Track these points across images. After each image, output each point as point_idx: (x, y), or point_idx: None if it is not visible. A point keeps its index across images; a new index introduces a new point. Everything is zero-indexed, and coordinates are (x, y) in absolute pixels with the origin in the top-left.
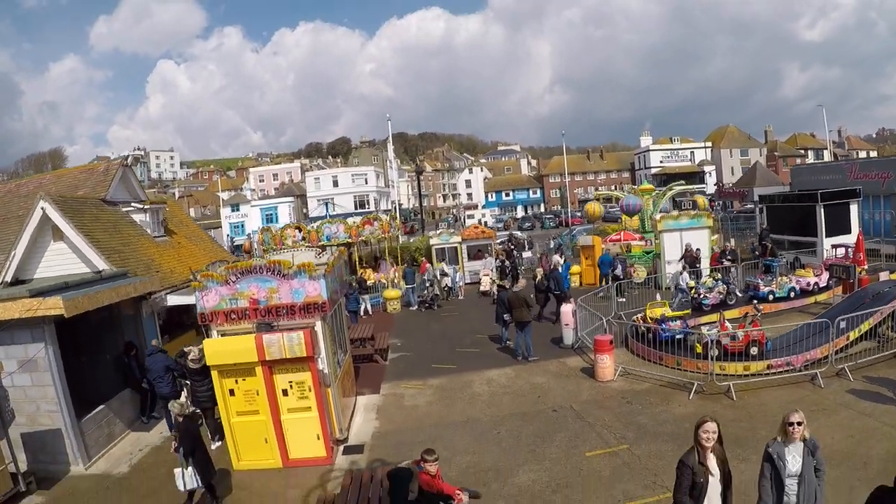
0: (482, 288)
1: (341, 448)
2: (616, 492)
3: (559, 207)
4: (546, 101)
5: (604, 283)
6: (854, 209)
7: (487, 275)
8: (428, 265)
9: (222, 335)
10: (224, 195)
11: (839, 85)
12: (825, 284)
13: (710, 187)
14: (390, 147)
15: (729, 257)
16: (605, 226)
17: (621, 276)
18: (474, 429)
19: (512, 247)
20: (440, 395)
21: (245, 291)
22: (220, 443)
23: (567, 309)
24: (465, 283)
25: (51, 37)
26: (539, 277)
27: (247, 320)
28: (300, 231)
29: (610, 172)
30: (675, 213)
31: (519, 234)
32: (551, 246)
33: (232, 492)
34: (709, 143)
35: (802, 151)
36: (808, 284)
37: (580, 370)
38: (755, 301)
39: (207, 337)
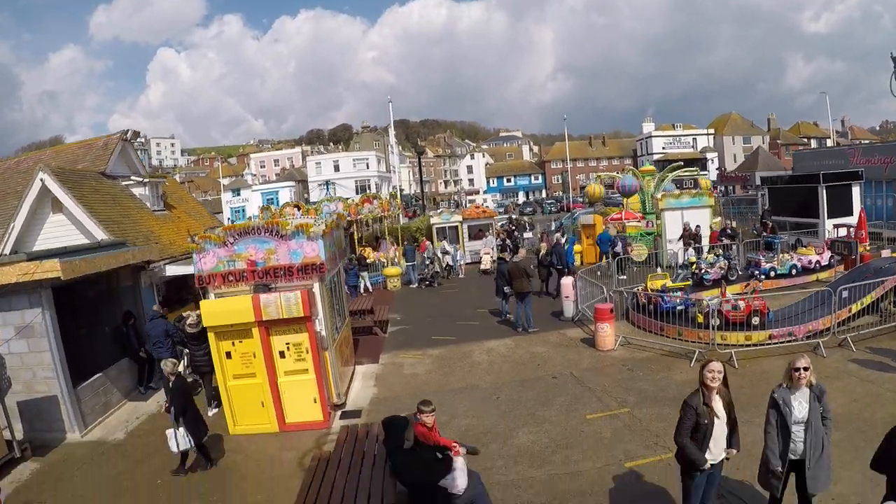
0: (483, 266)
1: (338, 413)
2: (617, 452)
3: (561, 193)
4: (549, 89)
5: (604, 260)
6: (856, 191)
7: (488, 253)
8: (428, 243)
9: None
10: (225, 181)
11: (844, 77)
12: (827, 263)
13: (713, 174)
14: (392, 132)
15: (729, 233)
16: (606, 209)
17: (622, 254)
18: (473, 394)
19: (513, 227)
20: (439, 364)
21: (243, 253)
22: (216, 410)
23: (567, 281)
24: (466, 263)
25: (50, 27)
26: (543, 252)
27: (244, 282)
28: (299, 210)
29: (612, 159)
30: (677, 191)
31: (519, 216)
32: (552, 228)
33: (227, 455)
34: (711, 130)
35: (805, 140)
36: (810, 262)
37: (580, 340)
38: (756, 272)
39: (204, 299)
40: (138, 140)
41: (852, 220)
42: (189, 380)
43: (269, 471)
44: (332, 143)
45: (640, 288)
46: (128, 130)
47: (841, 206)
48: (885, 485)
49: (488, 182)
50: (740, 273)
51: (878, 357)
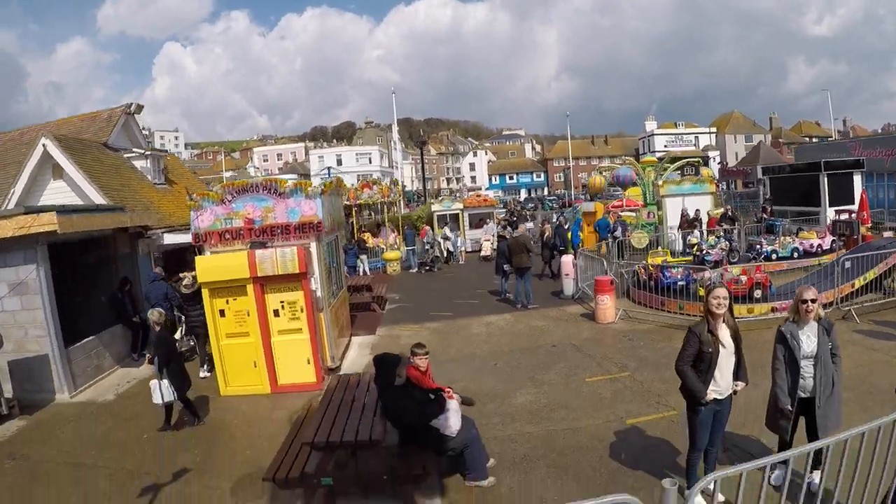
0: (483, 253)
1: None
2: (618, 410)
3: (563, 191)
4: (553, 89)
5: (603, 248)
6: (857, 179)
7: (489, 240)
8: (428, 228)
9: None
10: (227, 174)
11: (846, 79)
12: (829, 247)
13: (715, 171)
14: (395, 127)
15: (730, 216)
16: (606, 202)
17: (621, 237)
18: (471, 362)
19: (514, 218)
20: (437, 336)
21: (240, 211)
22: (209, 373)
23: (567, 259)
24: (467, 252)
25: (58, 18)
26: (547, 234)
27: (241, 241)
28: None
29: (614, 157)
30: (678, 178)
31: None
32: (553, 219)
33: (216, 414)
34: (713, 129)
35: (807, 139)
36: (812, 246)
37: (580, 315)
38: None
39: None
40: (143, 131)
41: (854, 208)
42: (186, 347)
43: (259, 428)
44: (335, 140)
45: (640, 265)
46: (131, 103)
47: (843, 195)
48: None
49: (490, 179)
50: (741, 255)
51: (882, 328)
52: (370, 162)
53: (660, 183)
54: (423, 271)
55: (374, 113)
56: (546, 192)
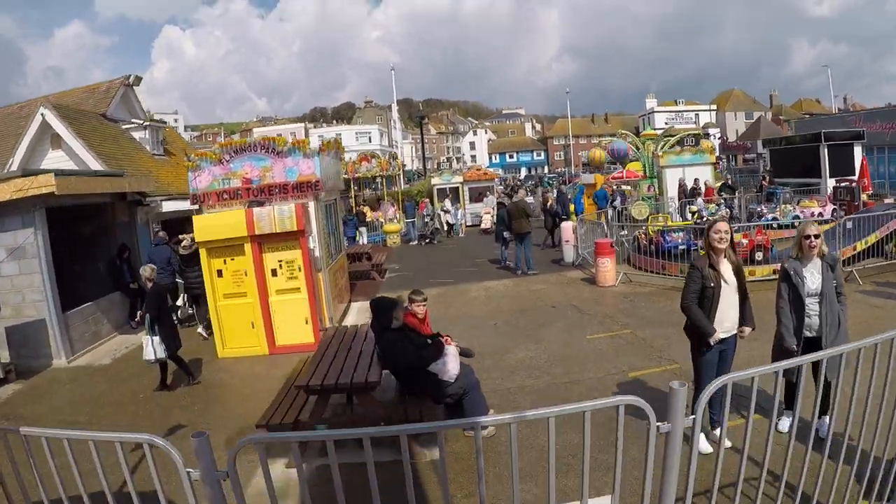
0: (484, 226)
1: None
2: (620, 363)
3: (563, 169)
4: (553, 70)
5: (602, 218)
6: (858, 150)
7: (489, 213)
8: (427, 201)
9: None
10: None
11: (847, 62)
12: (829, 216)
13: (715, 146)
14: (394, 105)
15: (729, 185)
16: (607, 175)
17: (619, 207)
18: (470, 322)
19: (511, 191)
20: (437, 300)
21: (238, 171)
22: (208, 337)
23: (568, 225)
24: (467, 225)
25: (56, 2)
26: (550, 202)
27: (239, 200)
28: None
29: (615, 136)
30: (678, 149)
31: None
32: (555, 193)
33: (213, 374)
34: (714, 106)
35: (808, 116)
36: (812, 214)
37: (581, 279)
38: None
39: None
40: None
41: (855, 178)
42: (185, 316)
43: (255, 387)
44: (335, 121)
45: (640, 231)
46: (130, 75)
47: (843, 166)
48: None
49: (491, 158)
50: (741, 223)
51: (884, 289)
52: (370, 141)
53: (660, 153)
54: (424, 243)
55: (373, 94)
56: (546, 171)
